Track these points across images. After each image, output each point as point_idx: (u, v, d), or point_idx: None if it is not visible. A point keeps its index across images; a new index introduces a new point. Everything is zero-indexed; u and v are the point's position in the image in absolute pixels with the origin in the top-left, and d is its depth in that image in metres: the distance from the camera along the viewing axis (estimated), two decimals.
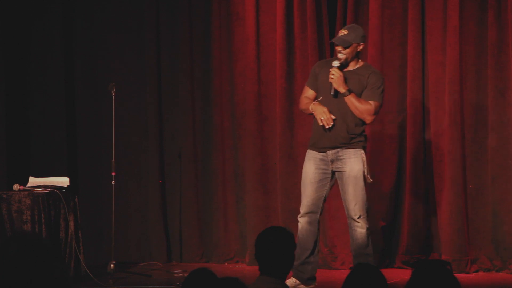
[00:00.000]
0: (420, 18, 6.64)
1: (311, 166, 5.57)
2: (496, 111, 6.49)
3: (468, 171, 6.55)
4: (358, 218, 5.53)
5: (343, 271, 6.28)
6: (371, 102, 5.50)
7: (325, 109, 5.48)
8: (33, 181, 6.03)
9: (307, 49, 6.83)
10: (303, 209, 5.62)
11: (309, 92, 5.67)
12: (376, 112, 5.56)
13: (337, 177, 5.58)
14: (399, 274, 6.24)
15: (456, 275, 2.79)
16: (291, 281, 5.62)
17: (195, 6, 7.17)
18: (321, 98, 5.57)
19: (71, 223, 5.93)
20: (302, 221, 5.63)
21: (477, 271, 6.47)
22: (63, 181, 6.05)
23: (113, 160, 6.38)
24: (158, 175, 7.18)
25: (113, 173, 6.36)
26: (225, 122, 7.09)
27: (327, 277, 6.34)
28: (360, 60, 5.66)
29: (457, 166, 6.49)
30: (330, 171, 5.56)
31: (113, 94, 6.40)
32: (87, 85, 7.35)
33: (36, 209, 5.75)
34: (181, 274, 6.36)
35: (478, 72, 6.56)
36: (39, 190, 5.88)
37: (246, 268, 6.77)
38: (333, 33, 6.88)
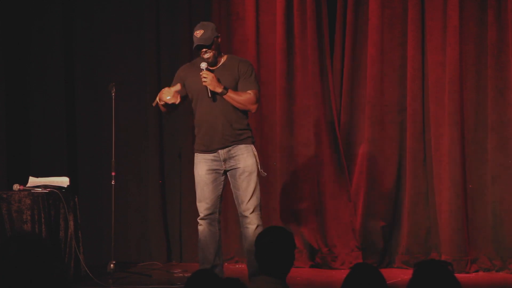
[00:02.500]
0: (420, 18, 6.65)
1: (203, 168, 5.52)
2: (496, 111, 6.49)
3: (468, 171, 6.55)
4: (250, 213, 5.43)
5: (343, 271, 6.28)
6: (249, 91, 5.45)
7: (169, 90, 5.44)
8: (33, 181, 6.03)
9: (307, 49, 6.83)
10: (202, 212, 5.52)
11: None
12: (258, 99, 5.51)
13: (229, 175, 5.51)
14: (399, 274, 6.24)
15: (456, 275, 2.79)
16: None
17: (195, 6, 7.17)
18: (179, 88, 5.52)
19: (71, 223, 5.93)
20: (203, 223, 5.53)
21: (477, 271, 6.47)
22: (63, 181, 6.05)
23: (113, 160, 6.38)
24: (158, 175, 7.18)
25: (113, 173, 6.36)
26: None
27: (327, 277, 6.34)
28: (222, 53, 5.57)
29: (457, 166, 6.49)
30: (222, 171, 5.50)
31: (113, 94, 6.40)
32: (87, 85, 7.35)
33: (36, 209, 5.75)
34: (181, 274, 6.36)
35: (478, 72, 6.56)
36: (39, 190, 5.88)
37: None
38: (333, 33, 6.89)
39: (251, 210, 5.44)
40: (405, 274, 6.12)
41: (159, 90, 7.16)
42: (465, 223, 6.50)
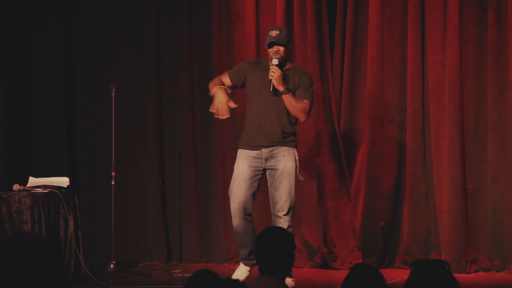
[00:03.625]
0: (420, 18, 6.65)
1: (244, 163, 5.65)
2: (496, 111, 6.49)
3: (468, 171, 6.55)
4: (284, 215, 5.60)
5: (343, 271, 6.28)
6: (305, 101, 5.63)
7: (224, 100, 5.52)
8: (33, 181, 6.03)
9: (307, 49, 6.83)
10: (235, 207, 5.65)
11: (226, 79, 5.72)
12: (309, 111, 5.68)
13: (268, 174, 5.67)
14: (398, 274, 6.24)
15: (456, 275, 2.80)
16: (243, 269, 5.67)
17: (195, 6, 7.17)
18: (229, 90, 5.63)
19: (71, 223, 5.93)
20: (236, 218, 5.66)
21: (477, 271, 6.47)
22: (63, 181, 6.04)
23: (113, 160, 6.37)
24: (158, 175, 7.18)
25: (113, 173, 6.36)
26: (225, 122, 7.09)
27: (327, 277, 6.34)
28: (288, 62, 5.79)
29: (457, 166, 6.49)
30: (262, 169, 5.66)
31: (113, 94, 6.40)
32: (87, 85, 7.35)
33: (36, 209, 5.75)
34: (181, 274, 6.36)
35: (478, 72, 6.57)
36: (39, 190, 5.88)
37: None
38: (333, 33, 6.89)
39: (285, 211, 5.61)
40: (405, 274, 6.11)
41: (159, 90, 7.21)
42: (465, 223, 6.50)
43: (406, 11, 6.68)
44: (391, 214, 6.73)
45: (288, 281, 5.56)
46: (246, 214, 5.65)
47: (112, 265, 6.20)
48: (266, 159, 5.62)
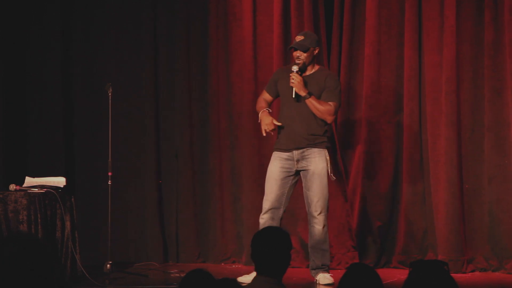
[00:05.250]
0: (417, 18, 6.65)
1: (277, 164, 5.90)
2: (493, 111, 6.49)
3: (465, 171, 6.56)
4: (318, 214, 5.81)
5: (339, 271, 6.28)
6: (330, 103, 5.84)
7: (269, 121, 5.87)
8: (29, 181, 6.02)
9: None
10: (267, 205, 5.88)
11: (266, 96, 6.07)
12: (336, 112, 5.93)
13: (301, 175, 5.90)
14: (395, 274, 6.24)
15: (452, 275, 2.79)
16: None
17: (192, 6, 7.17)
18: (270, 110, 6.00)
19: (68, 223, 5.92)
20: (265, 217, 5.87)
21: (473, 271, 6.48)
22: (60, 181, 6.04)
23: (110, 160, 6.37)
24: (155, 175, 7.18)
25: (110, 173, 6.36)
26: (222, 122, 7.09)
27: None
28: (316, 64, 6.00)
29: (453, 166, 6.49)
30: (294, 171, 5.88)
31: (110, 94, 6.40)
32: (84, 85, 7.34)
33: (32, 209, 5.74)
34: (178, 274, 6.35)
35: (475, 72, 6.57)
36: (36, 190, 5.87)
37: (242, 268, 6.76)
38: (330, 33, 6.90)
39: (319, 211, 5.82)
40: (401, 274, 6.12)
41: (156, 90, 7.21)
42: (462, 223, 6.50)
43: (403, 11, 6.68)
44: (388, 214, 6.73)
45: (327, 276, 5.79)
46: (278, 216, 5.86)
47: (108, 265, 6.20)
48: (298, 160, 5.85)
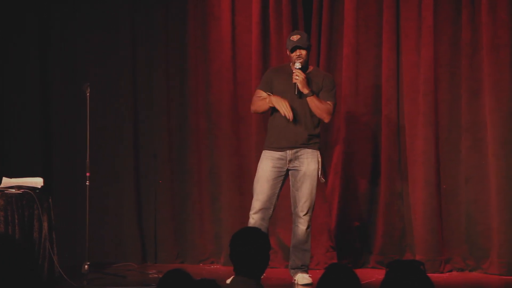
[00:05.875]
0: (395, 19, 6.68)
1: (268, 164, 5.85)
2: (470, 111, 6.53)
3: (442, 172, 6.59)
4: (304, 215, 5.82)
5: (318, 271, 6.29)
6: (328, 102, 5.85)
7: (286, 102, 5.76)
8: (6, 181, 5.97)
9: (283, 50, 6.84)
10: (257, 205, 5.84)
11: (261, 93, 5.94)
12: (333, 112, 5.92)
13: (290, 175, 5.86)
14: (373, 274, 6.26)
15: (429, 275, 2.81)
16: None
17: (171, 6, 7.15)
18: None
19: (45, 224, 5.88)
20: (255, 217, 5.84)
21: (450, 271, 6.52)
22: (37, 181, 5.99)
23: (88, 160, 6.34)
24: (133, 175, 7.15)
25: (88, 174, 6.33)
26: (201, 123, 7.08)
27: None
28: (309, 64, 5.98)
29: (431, 167, 6.53)
30: (285, 170, 5.86)
31: (88, 94, 6.37)
32: (62, 85, 7.30)
33: (9, 210, 5.69)
34: (156, 275, 6.34)
35: (452, 72, 6.61)
36: (13, 190, 5.82)
37: (221, 269, 6.77)
38: (308, 33, 6.89)
39: (305, 212, 5.82)
40: (379, 274, 6.15)
41: (134, 90, 7.18)
42: (439, 224, 6.54)
43: (381, 12, 6.71)
44: (366, 214, 6.76)
45: (306, 276, 5.79)
46: (268, 216, 5.83)
47: (86, 266, 6.17)
48: (290, 160, 5.82)
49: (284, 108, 5.73)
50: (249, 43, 6.92)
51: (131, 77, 7.17)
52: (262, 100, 5.87)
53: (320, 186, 6.74)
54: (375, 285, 5.32)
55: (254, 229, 3.70)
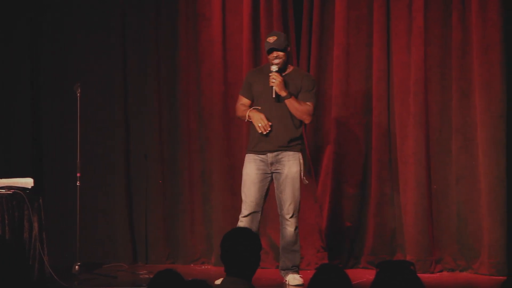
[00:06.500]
0: (385, 20, 6.69)
1: (252, 167, 5.83)
2: (460, 112, 6.54)
3: (433, 172, 6.61)
4: (290, 217, 5.80)
5: (309, 271, 6.29)
6: (308, 103, 5.80)
7: (262, 116, 5.75)
8: None
9: None
10: (247, 209, 5.83)
11: (244, 100, 5.95)
12: (314, 113, 5.87)
13: (274, 178, 5.85)
14: (364, 274, 6.27)
15: (420, 275, 2.82)
16: None
17: (161, 7, 7.15)
18: (259, 107, 5.81)
19: (35, 224, 5.86)
20: (245, 221, 5.82)
21: (441, 271, 6.53)
22: (27, 182, 5.98)
23: (78, 160, 6.33)
24: (124, 176, 7.14)
25: (78, 174, 6.32)
26: (192, 123, 7.08)
27: None
28: (289, 64, 5.94)
29: (422, 167, 6.54)
30: (270, 173, 5.84)
31: (79, 94, 6.35)
32: (53, 85, 7.29)
33: None
34: (147, 276, 6.33)
35: (443, 73, 6.62)
36: (3, 191, 5.80)
37: (212, 269, 6.76)
38: (299, 34, 6.91)
39: (291, 214, 5.80)
40: (370, 275, 6.15)
41: (125, 90, 7.17)
42: (430, 224, 6.55)
43: (371, 12, 6.72)
44: (357, 215, 6.76)
45: (296, 277, 5.79)
46: (257, 218, 5.82)
47: (77, 267, 6.16)
48: (272, 163, 5.80)
49: (261, 123, 5.72)
50: (240, 44, 6.92)
51: (122, 77, 7.16)
52: (244, 111, 5.87)
53: (311, 187, 6.76)
54: (366, 286, 5.32)
55: (245, 230, 3.70)
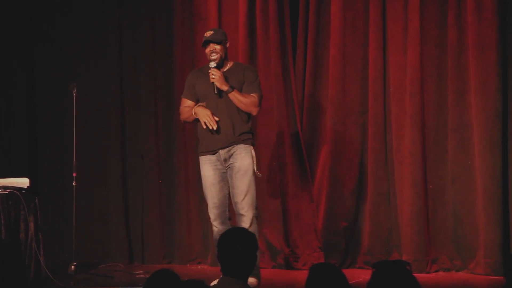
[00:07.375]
0: (381, 20, 6.69)
1: (208, 168, 5.70)
2: (456, 112, 6.55)
3: (429, 172, 6.61)
4: (245, 212, 5.60)
5: (305, 271, 6.29)
6: (253, 94, 5.68)
7: (208, 112, 5.62)
8: None
9: (270, 49, 6.85)
10: (213, 214, 5.67)
11: (188, 102, 5.81)
12: (260, 103, 5.72)
13: (227, 174, 5.69)
14: (360, 274, 6.27)
15: (416, 275, 2.82)
16: None
17: (157, 7, 7.15)
18: (204, 104, 5.71)
19: (31, 225, 5.86)
20: (216, 224, 5.67)
21: (437, 271, 6.54)
22: (23, 182, 5.97)
23: (74, 161, 6.33)
24: (120, 176, 7.14)
25: (74, 174, 6.31)
26: (187, 123, 7.07)
27: (289, 278, 6.35)
28: (229, 59, 5.82)
29: (418, 167, 6.54)
30: (226, 170, 5.69)
31: (75, 94, 6.35)
32: (48, 85, 7.29)
33: None
34: (143, 276, 6.33)
35: (439, 73, 6.62)
36: None
37: (208, 269, 6.76)
38: (295, 34, 6.91)
39: (246, 208, 5.60)
40: (366, 274, 6.15)
41: (121, 90, 7.17)
42: (426, 224, 6.56)
43: (367, 13, 6.72)
44: (353, 214, 6.77)
45: (251, 280, 5.58)
46: (225, 218, 5.67)
47: (73, 267, 6.15)
48: (225, 159, 5.66)
49: (207, 119, 5.59)
50: (235, 43, 6.91)
51: (118, 77, 7.16)
52: (189, 111, 5.75)
53: (306, 187, 6.76)
54: (362, 285, 5.33)
55: (242, 230, 3.70)
